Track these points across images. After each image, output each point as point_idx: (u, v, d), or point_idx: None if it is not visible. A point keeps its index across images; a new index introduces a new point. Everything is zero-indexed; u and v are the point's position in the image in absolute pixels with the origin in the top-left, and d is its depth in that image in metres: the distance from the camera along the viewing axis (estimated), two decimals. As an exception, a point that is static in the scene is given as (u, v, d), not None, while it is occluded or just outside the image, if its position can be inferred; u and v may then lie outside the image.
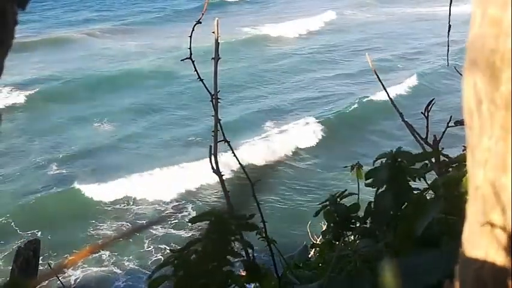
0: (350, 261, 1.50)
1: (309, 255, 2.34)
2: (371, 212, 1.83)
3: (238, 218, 1.77)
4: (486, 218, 0.56)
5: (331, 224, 2.03)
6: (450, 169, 1.88)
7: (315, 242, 2.52)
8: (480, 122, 0.56)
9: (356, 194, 2.13)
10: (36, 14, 34.45)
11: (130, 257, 10.74)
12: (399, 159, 1.83)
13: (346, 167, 2.35)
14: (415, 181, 1.82)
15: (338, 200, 2.04)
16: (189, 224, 2.05)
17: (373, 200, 1.84)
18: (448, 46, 2.28)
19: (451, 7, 2.34)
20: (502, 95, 0.54)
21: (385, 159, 1.86)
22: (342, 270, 1.50)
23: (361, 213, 1.98)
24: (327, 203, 2.06)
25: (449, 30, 2.27)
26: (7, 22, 0.55)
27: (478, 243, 0.58)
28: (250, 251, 1.84)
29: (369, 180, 1.89)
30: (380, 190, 1.82)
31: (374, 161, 1.91)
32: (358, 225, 1.97)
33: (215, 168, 1.92)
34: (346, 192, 2.09)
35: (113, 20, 34.36)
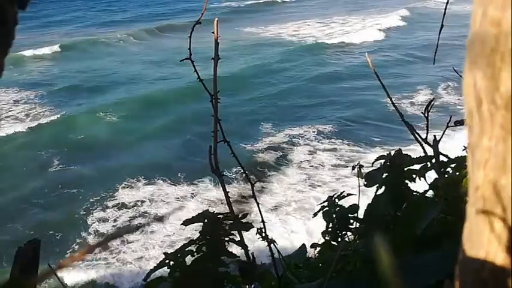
0: (350, 261, 1.50)
1: (309, 255, 2.34)
2: (368, 213, 1.84)
3: (233, 218, 1.76)
4: (486, 219, 0.56)
5: (330, 225, 2.03)
6: (449, 169, 1.88)
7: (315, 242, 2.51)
8: (480, 122, 0.56)
9: (355, 194, 2.13)
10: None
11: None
12: (398, 161, 1.84)
13: (347, 167, 2.35)
14: (414, 182, 1.82)
15: (337, 201, 2.04)
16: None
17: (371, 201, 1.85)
18: (437, 46, 2.28)
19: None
20: (502, 95, 0.54)
21: (384, 161, 1.87)
22: (342, 270, 1.50)
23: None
24: (326, 203, 2.06)
25: (440, 30, 2.27)
26: (7, 22, 0.55)
27: (478, 243, 0.58)
28: (250, 251, 1.84)
29: (366, 181, 1.90)
30: (378, 191, 1.82)
31: (373, 163, 1.91)
32: (357, 225, 1.97)
33: (214, 167, 1.92)
34: (345, 193, 2.10)
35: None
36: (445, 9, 2.19)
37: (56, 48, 27.98)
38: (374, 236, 1.60)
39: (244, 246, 1.81)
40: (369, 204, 1.83)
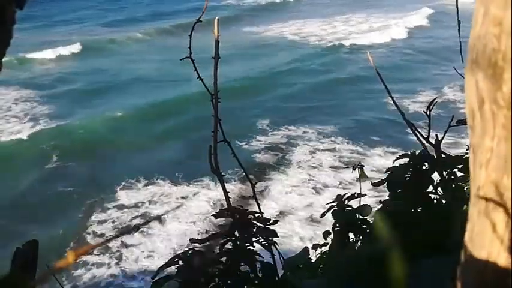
0: (353, 261, 1.50)
1: (310, 257, 2.34)
2: (383, 212, 1.81)
3: (262, 221, 1.75)
4: (488, 219, 0.56)
5: (337, 225, 2.02)
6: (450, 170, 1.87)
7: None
8: (482, 122, 0.56)
9: (365, 195, 2.11)
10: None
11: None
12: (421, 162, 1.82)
13: (348, 167, 2.34)
14: (433, 186, 1.81)
15: (346, 202, 2.03)
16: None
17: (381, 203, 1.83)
18: (461, 44, 2.27)
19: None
20: (504, 94, 0.53)
21: (408, 160, 1.85)
22: (345, 271, 1.50)
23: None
24: (335, 203, 2.05)
25: (459, 27, 2.25)
26: (6, 21, 0.55)
27: (480, 244, 0.57)
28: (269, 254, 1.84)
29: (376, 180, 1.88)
30: (398, 191, 1.80)
31: (394, 161, 1.90)
32: (364, 227, 1.96)
33: (214, 167, 1.92)
34: (355, 194, 2.08)
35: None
36: (457, 5, 2.18)
37: (71, 48, 27.58)
38: (386, 237, 1.60)
39: (268, 249, 1.79)
40: (384, 201, 1.80)
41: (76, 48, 27.68)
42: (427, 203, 1.74)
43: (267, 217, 1.79)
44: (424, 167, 1.82)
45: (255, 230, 1.72)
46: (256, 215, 1.76)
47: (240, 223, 1.70)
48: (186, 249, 1.71)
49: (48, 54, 26.77)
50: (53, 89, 21.76)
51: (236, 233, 1.70)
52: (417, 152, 1.87)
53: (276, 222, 1.77)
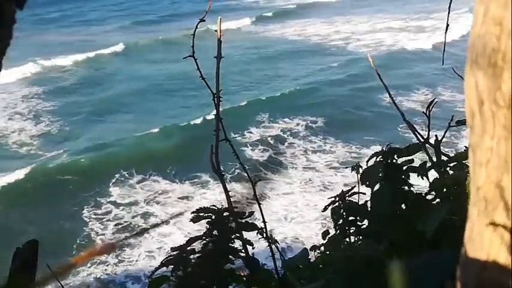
0: (351, 262, 1.50)
1: (309, 257, 2.34)
2: (368, 211, 1.83)
3: (238, 216, 1.77)
4: (488, 219, 0.56)
5: (339, 221, 2.02)
6: (448, 168, 1.87)
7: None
8: (482, 121, 0.56)
9: (364, 193, 2.12)
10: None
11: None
12: (391, 157, 1.83)
13: (346, 167, 2.34)
14: (409, 178, 1.82)
15: (346, 197, 2.03)
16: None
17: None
18: (445, 45, 2.27)
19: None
20: (504, 94, 0.53)
21: (378, 157, 1.87)
22: (343, 271, 1.50)
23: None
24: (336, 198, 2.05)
25: (446, 29, 2.27)
26: (5, 21, 0.55)
27: (480, 243, 0.57)
28: (250, 251, 1.84)
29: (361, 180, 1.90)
30: (375, 189, 1.82)
31: (367, 161, 1.91)
32: (361, 223, 1.96)
33: (216, 167, 1.92)
34: (355, 189, 2.09)
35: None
36: (449, 8, 2.18)
37: (114, 49, 27.29)
38: (375, 236, 1.60)
39: (249, 244, 1.81)
40: (365, 201, 1.82)
41: (119, 48, 27.62)
42: (405, 198, 1.75)
43: (270, 214, 1.80)
44: (395, 162, 1.84)
45: (234, 226, 1.74)
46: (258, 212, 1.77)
47: (218, 222, 1.72)
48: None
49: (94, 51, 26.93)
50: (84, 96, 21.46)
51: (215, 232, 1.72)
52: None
53: (251, 214, 1.79)
